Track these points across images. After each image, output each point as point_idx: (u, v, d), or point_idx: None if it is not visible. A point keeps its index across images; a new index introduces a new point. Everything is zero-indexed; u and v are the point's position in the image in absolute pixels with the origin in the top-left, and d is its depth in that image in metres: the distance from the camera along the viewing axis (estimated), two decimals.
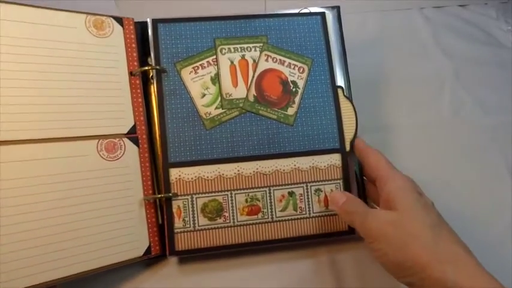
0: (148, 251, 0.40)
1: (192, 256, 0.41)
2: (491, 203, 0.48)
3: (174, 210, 0.41)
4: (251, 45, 0.44)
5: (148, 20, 0.43)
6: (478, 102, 0.55)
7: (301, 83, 0.44)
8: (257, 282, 0.41)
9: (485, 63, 0.59)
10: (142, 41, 0.43)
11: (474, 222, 0.46)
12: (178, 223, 0.40)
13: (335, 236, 0.42)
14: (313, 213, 0.42)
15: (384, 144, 0.51)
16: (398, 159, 0.50)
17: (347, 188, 0.43)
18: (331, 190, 0.42)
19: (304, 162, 0.42)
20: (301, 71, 0.44)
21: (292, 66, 0.44)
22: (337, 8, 0.46)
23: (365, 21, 0.61)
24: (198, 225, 0.41)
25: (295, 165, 0.42)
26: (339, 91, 0.44)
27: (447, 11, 0.63)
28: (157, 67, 0.42)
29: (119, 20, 0.43)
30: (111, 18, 0.42)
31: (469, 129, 0.53)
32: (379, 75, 0.56)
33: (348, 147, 0.43)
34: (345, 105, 0.44)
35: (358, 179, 0.43)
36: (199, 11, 0.44)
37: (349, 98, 0.44)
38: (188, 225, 0.41)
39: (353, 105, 0.44)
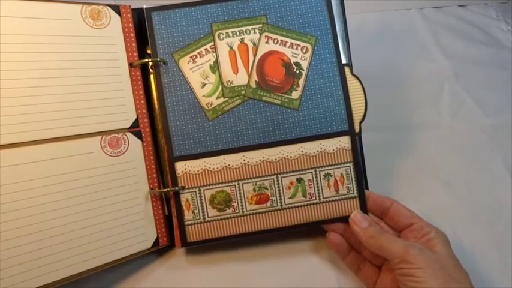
0: (156, 242, 0.40)
1: (200, 246, 0.41)
2: (491, 203, 0.47)
3: (183, 203, 0.40)
4: (250, 27, 0.42)
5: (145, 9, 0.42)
6: (478, 102, 0.55)
7: (305, 64, 0.42)
8: (263, 274, 0.41)
9: (485, 63, 0.59)
10: (140, 28, 0.42)
11: (474, 222, 0.46)
12: (188, 215, 0.40)
13: (346, 220, 0.40)
14: (323, 198, 0.41)
15: (383, 144, 0.50)
16: (398, 159, 0.50)
17: (359, 170, 0.41)
18: (341, 174, 0.41)
19: (311, 148, 0.41)
20: (304, 50, 0.42)
21: (295, 47, 0.42)
22: None
23: (365, 21, 0.61)
24: (208, 217, 0.40)
25: (302, 151, 0.41)
26: (346, 69, 0.42)
27: (447, 11, 0.64)
28: (157, 59, 0.41)
29: (116, 9, 0.41)
30: (108, 7, 0.41)
31: (469, 129, 0.53)
32: (379, 75, 0.56)
33: (357, 129, 0.41)
34: (352, 84, 0.42)
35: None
36: None
37: (357, 76, 0.42)
38: (198, 217, 0.40)
39: (361, 84, 0.42)
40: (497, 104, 0.55)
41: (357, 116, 0.41)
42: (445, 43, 0.60)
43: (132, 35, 0.41)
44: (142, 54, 0.42)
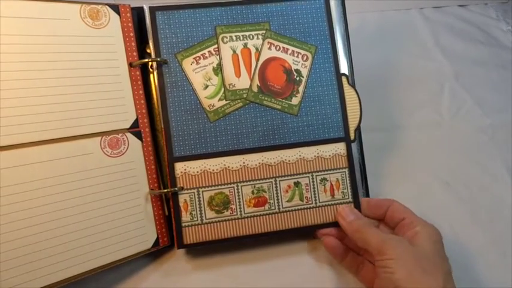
0: (156, 242, 0.40)
1: (200, 248, 0.42)
2: (491, 203, 0.48)
3: (181, 204, 0.41)
4: (253, 32, 0.42)
5: (146, 8, 0.41)
6: (477, 102, 0.56)
7: (305, 72, 0.43)
8: (261, 275, 0.42)
9: (485, 63, 0.59)
10: (139, 27, 0.42)
11: (474, 222, 0.46)
12: (185, 217, 0.41)
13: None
14: (320, 202, 0.42)
15: (383, 144, 0.51)
16: (398, 159, 0.51)
17: (353, 176, 0.43)
18: (337, 179, 0.43)
19: (309, 152, 0.42)
20: (304, 58, 0.43)
21: (296, 54, 0.43)
22: None
23: (365, 21, 0.61)
24: (206, 219, 0.41)
25: (300, 156, 0.42)
26: (343, 79, 0.43)
27: (447, 11, 0.64)
28: (158, 59, 0.40)
29: (115, 8, 0.40)
30: (107, 7, 0.40)
31: (469, 129, 0.54)
32: (379, 75, 0.56)
33: (352, 136, 0.43)
34: (349, 93, 0.43)
35: (361, 167, 0.44)
36: None
37: (353, 86, 0.44)
38: (195, 219, 0.41)
39: (357, 93, 0.44)
40: (497, 104, 0.55)
41: (352, 123, 0.43)
42: (445, 43, 0.60)
43: (131, 34, 0.41)
44: (141, 53, 0.42)
